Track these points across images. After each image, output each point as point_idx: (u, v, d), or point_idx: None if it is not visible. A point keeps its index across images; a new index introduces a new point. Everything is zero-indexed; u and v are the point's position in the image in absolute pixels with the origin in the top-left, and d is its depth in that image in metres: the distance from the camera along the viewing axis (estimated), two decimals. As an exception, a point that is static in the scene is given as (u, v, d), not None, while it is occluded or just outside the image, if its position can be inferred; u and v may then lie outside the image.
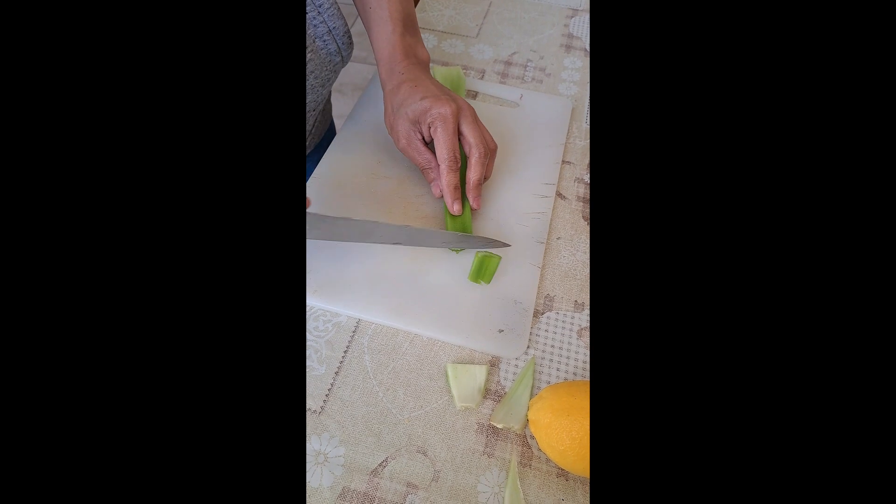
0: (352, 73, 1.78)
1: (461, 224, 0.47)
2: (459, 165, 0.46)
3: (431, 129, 0.45)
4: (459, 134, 0.46)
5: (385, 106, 0.50)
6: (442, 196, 0.47)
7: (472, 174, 0.46)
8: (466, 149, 0.46)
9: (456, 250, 0.46)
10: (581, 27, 0.69)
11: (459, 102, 0.46)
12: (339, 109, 1.65)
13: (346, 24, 0.57)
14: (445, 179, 0.45)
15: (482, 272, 0.44)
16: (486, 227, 0.48)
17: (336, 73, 0.59)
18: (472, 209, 0.48)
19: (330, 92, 0.68)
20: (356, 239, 0.44)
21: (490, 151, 0.47)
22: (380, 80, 0.51)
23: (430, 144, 0.48)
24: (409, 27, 0.51)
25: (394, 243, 0.45)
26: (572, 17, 0.71)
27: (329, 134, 0.72)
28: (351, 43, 0.58)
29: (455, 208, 0.46)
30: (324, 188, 0.50)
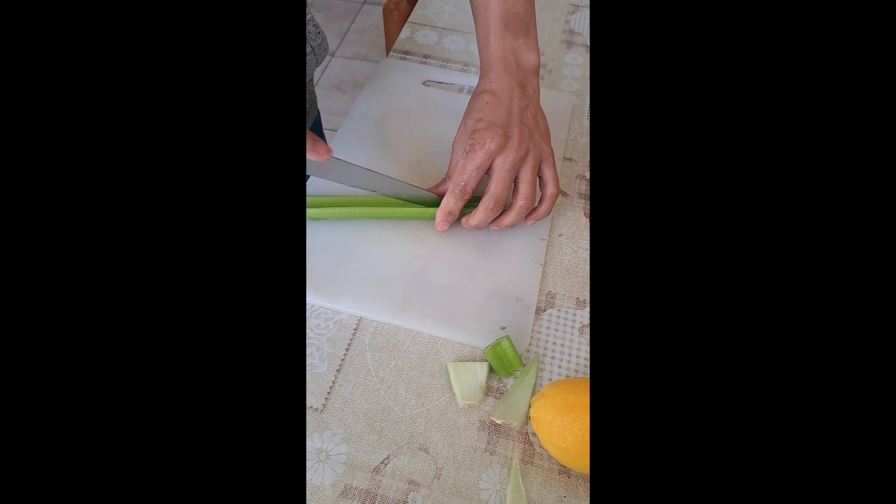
0: (352, 70, 1.77)
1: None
2: (468, 199, 0.44)
3: (468, 150, 0.43)
4: (517, 178, 0.43)
5: (469, 103, 0.46)
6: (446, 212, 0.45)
7: (506, 218, 0.44)
8: (515, 194, 0.44)
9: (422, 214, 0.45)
10: (582, 23, 0.69)
11: (511, 143, 0.42)
12: (339, 107, 1.65)
13: (314, 18, 0.56)
14: (445, 201, 0.44)
15: (505, 363, 0.39)
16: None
17: (309, 66, 0.58)
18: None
19: (312, 87, 0.67)
20: (316, 173, 0.43)
21: (546, 198, 0.45)
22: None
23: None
24: (513, 27, 0.45)
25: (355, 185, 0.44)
26: (573, 13, 0.70)
27: (316, 128, 0.71)
28: (319, 32, 0.57)
29: (439, 227, 0.45)
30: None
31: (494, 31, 0.45)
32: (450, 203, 0.44)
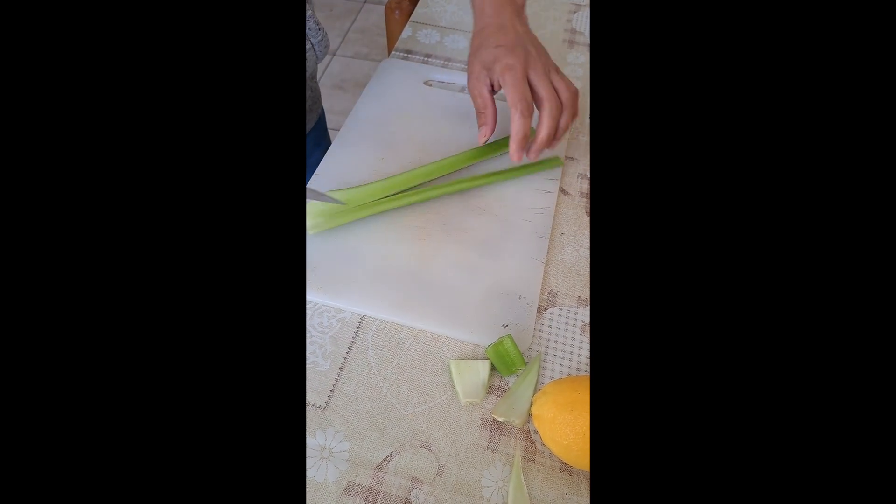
0: (353, 69, 1.77)
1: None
2: (532, 112, 0.45)
3: (501, 79, 0.46)
4: (531, 85, 0.46)
5: (471, 44, 0.50)
6: (485, 140, 0.47)
7: (542, 130, 0.46)
8: (537, 102, 0.46)
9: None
10: (584, 22, 0.69)
11: (532, 55, 0.46)
12: (341, 106, 1.65)
13: (315, 16, 0.57)
14: (517, 125, 0.45)
15: (507, 362, 0.39)
16: (489, 222, 0.48)
17: (310, 63, 0.59)
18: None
19: (315, 84, 0.68)
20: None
21: (566, 103, 0.47)
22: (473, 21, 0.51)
23: (495, 93, 0.48)
24: None
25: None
26: (575, 12, 0.70)
27: (320, 125, 0.71)
28: (320, 29, 0.57)
29: (517, 156, 0.46)
30: (325, 185, 0.50)
31: None
32: (520, 124, 0.45)
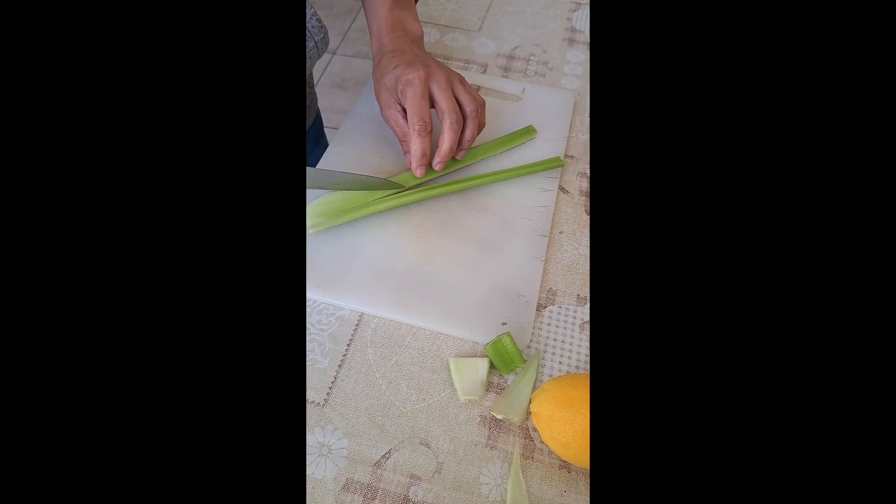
0: (353, 68, 1.77)
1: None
2: (430, 130, 0.45)
3: (402, 96, 0.45)
4: (432, 99, 0.46)
5: (373, 79, 0.50)
6: (418, 172, 0.47)
7: (444, 143, 0.45)
8: (439, 115, 0.46)
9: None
10: (584, 21, 0.69)
11: (432, 68, 0.46)
12: (341, 105, 1.65)
13: (317, 14, 0.57)
14: (413, 145, 0.45)
15: (506, 359, 0.39)
16: (489, 220, 0.48)
17: (311, 60, 0.59)
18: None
19: (313, 82, 0.68)
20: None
21: (469, 115, 0.46)
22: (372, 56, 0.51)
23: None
24: (401, 1, 0.51)
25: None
26: (575, 10, 0.70)
27: (317, 123, 0.71)
28: (322, 27, 0.58)
29: (418, 172, 0.46)
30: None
31: (385, 3, 0.50)
32: (417, 144, 0.45)
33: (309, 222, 0.45)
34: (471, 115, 0.47)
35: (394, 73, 0.46)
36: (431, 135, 0.46)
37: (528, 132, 0.54)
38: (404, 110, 0.47)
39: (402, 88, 0.45)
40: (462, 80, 0.48)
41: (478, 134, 0.48)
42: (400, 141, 0.49)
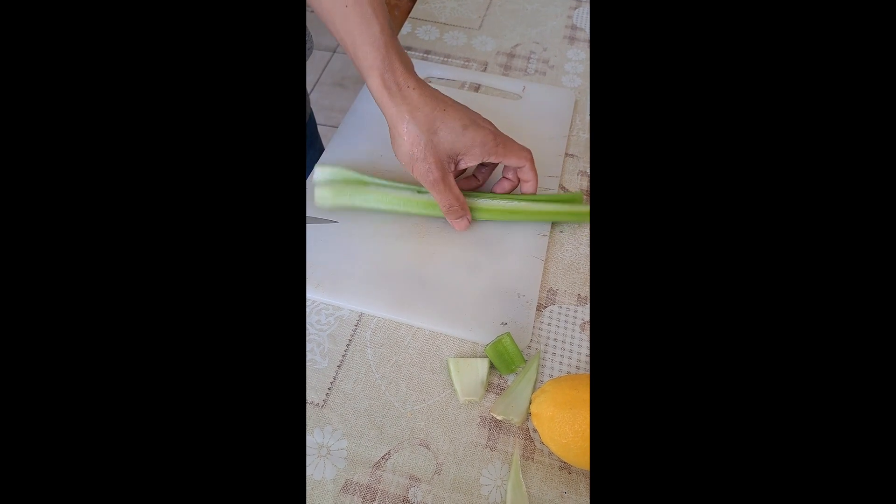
0: (353, 67, 1.77)
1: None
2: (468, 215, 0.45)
3: (497, 157, 0.44)
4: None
5: (399, 129, 0.41)
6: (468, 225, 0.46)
7: (529, 186, 0.46)
8: (523, 186, 0.46)
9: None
10: (585, 18, 0.69)
11: (500, 135, 0.44)
12: (341, 103, 1.65)
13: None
14: (457, 226, 0.45)
15: (506, 360, 0.39)
16: (489, 220, 0.48)
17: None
18: None
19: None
20: None
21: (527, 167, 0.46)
22: (372, 92, 0.41)
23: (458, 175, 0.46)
24: (391, 25, 0.43)
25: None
26: (576, 8, 0.70)
27: (311, 123, 0.71)
28: (308, 34, 0.57)
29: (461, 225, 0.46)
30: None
31: (385, 30, 0.41)
32: (460, 226, 0.45)
33: (317, 193, 0.44)
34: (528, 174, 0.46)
35: (464, 136, 0.41)
36: None
37: (581, 216, 0.48)
38: (455, 169, 0.44)
39: (517, 166, 0.45)
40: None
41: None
42: (450, 209, 0.44)
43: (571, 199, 0.48)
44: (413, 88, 0.41)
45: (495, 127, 0.45)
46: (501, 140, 0.44)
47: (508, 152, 0.44)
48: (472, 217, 0.46)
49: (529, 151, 0.45)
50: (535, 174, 0.46)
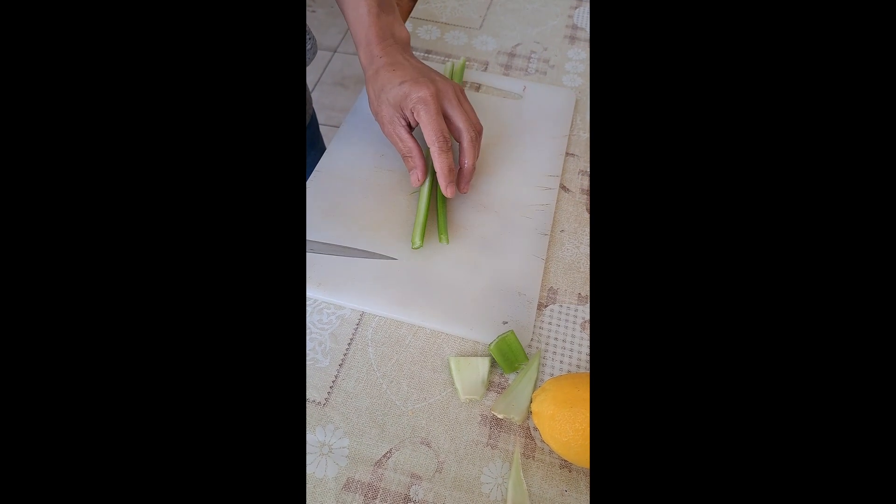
0: (354, 66, 1.77)
1: (441, 214, 0.46)
2: (451, 146, 0.45)
3: (415, 114, 0.45)
4: (445, 116, 0.45)
5: (367, 92, 0.49)
6: (420, 185, 0.46)
7: (466, 159, 0.45)
8: (455, 133, 0.46)
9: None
10: (585, 18, 0.69)
11: (440, 84, 0.45)
12: (342, 103, 1.65)
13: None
14: (439, 163, 0.44)
15: (509, 358, 0.39)
16: (490, 219, 0.48)
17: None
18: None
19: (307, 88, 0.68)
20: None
21: (478, 133, 0.46)
22: (361, 66, 0.50)
23: (414, 130, 0.47)
24: (385, 5, 0.49)
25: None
26: (577, 7, 0.70)
27: (313, 123, 0.71)
28: (311, 38, 0.58)
29: (449, 191, 0.45)
30: (326, 181, 0.50)
31: (371, 10, 0.48)
32: (443, 160, 0.44)
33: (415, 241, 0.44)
34: (479, 132, 0.46)
35: (400, 89, 0.45)
36: (452, 151, 0.45)
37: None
38: (408, 126, 0.46)
39: (414, 106, 0.44)
40: (464, 93, 0.47)
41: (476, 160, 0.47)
42: (404, 157, 0.47)
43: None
44: (381, 57, 0.47)
45: (442, 88, 0.45)
46: (420, 100, 0.44)
47: (420, 119, 0.44)
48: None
49: (439, 132, 0.44)
50: (473, 152, 0.45)
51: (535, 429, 0.38)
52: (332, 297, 0.43)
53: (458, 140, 0.46)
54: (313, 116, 0.71)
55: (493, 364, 0.40)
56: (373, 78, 0.48)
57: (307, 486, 0.35)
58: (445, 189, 0.45)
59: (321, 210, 0.48)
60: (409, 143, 0.46)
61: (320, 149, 0.72)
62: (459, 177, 0.47)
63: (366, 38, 0.48)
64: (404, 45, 0.50)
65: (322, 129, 0.75)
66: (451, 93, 0.46)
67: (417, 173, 0.46)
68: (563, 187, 0.52)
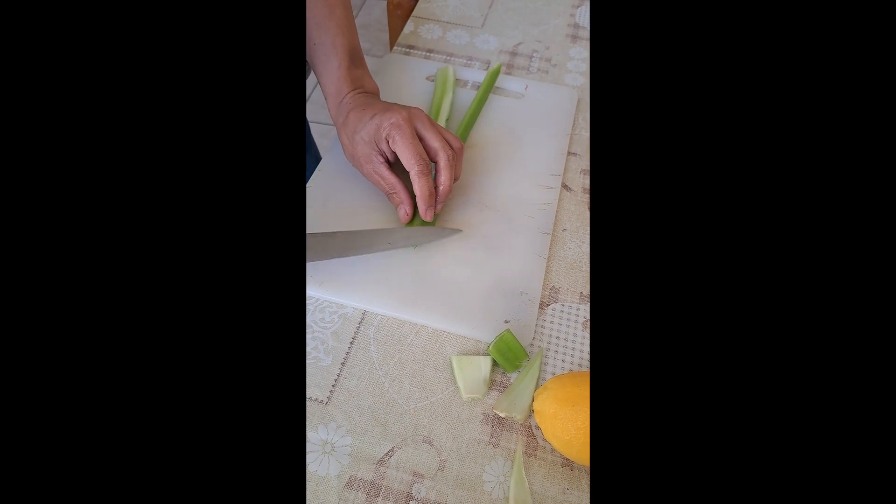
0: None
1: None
2: (430, 169, 0.44)
3: (390, 142, 0.44)
4: (420, 138, 0.45)
5: (341, 140, 0.49)
6: (409, 220, 0.46)
7: (443, 180, 0.44)
8: (431, 154, 0.45)
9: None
10: (587, 17, 0.69)
11: (411, 109, 0.45)
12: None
13: None
14: (419, 186, 0.43)
15: (509, 357, 0.39)
16: (490, 218, 0.48)
17: None
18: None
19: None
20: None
21: (456, 152, 0.46)
22: (331, 117, 0.50)
23: (393, 166, 0.46)
24: (356, 60, 0.50)
25: (343, 255, 0.44)
26: (579, 6, 0.70)
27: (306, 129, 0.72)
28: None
29: (429, 215, 0.44)
30: (325, 186, 0.50)
31: (343, 64, 0.49)
32: (423, 184, 0.43)
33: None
34: (459, 150, 0.46)
35: (371, 122, 0.44)
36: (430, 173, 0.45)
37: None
38: (387, 161, 0.46)
39: (389, 133, 0.43)
40: (434, 122, 0.47)
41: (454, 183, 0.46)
42: (388, 195, 0.46)
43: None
44: (349, 103, 0.48)
45: (414, 112, 0.45)
46: (394, 125, 0.43)
47: (396, 145, 0.43)
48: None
49: (416, 154, 0.43)
50: (449, 172, 0.44)
51: (537, 427, 0.38)
52: (333, 296, 0.43)
53: (435, 160, 0.45)
54: (306, 125, 0.71)
55: (495, 363, 0.40)
56: (343, 125, 0.47)
57: (310, 484, 0.35)
58: (424, 213, 0.45)
59: (321, 210, 0.48)
60: (391, 178, 0.45)
61: (314, 154, 0.72)
62: (435, 198, 0.45)
63: (336, 90, 0.48)
64: (373, 95, 0.49)
65: (322, 128, 0.75)
66: (423, 115, 0.45)
67: (405, 208, 0.45)
68: (564, 186, 0.52)
